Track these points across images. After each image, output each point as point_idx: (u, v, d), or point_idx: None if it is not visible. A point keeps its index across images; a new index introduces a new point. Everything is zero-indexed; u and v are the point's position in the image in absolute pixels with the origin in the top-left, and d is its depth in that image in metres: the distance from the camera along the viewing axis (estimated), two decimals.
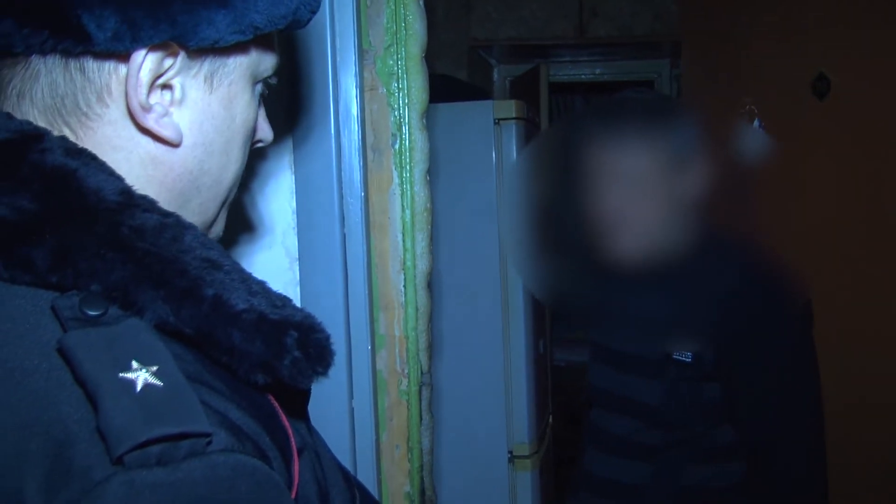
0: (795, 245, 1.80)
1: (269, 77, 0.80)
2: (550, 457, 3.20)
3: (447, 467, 2.63)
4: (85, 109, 0.69)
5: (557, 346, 3.85)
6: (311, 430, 0.79)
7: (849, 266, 2.53)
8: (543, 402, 3.07)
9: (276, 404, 0.71)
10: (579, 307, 2.04)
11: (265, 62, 0.78)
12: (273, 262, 1.30)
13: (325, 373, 0.68)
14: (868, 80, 2.50)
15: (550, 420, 3.25)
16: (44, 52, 0.67)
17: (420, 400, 1.39)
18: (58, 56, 0.67)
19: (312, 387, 0.71)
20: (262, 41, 0.76)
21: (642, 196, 1.61)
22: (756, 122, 2.33)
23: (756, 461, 1.68)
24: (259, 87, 0.79)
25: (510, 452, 2.73)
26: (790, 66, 2.60)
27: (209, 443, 0.55)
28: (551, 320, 3.47)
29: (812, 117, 2.54)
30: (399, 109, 1.36)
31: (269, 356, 0.64)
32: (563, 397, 3.79)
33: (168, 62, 0.69)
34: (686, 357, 1.65)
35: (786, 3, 2.64)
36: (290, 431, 0.70)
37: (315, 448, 0.77)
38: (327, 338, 0.68)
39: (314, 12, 0.76)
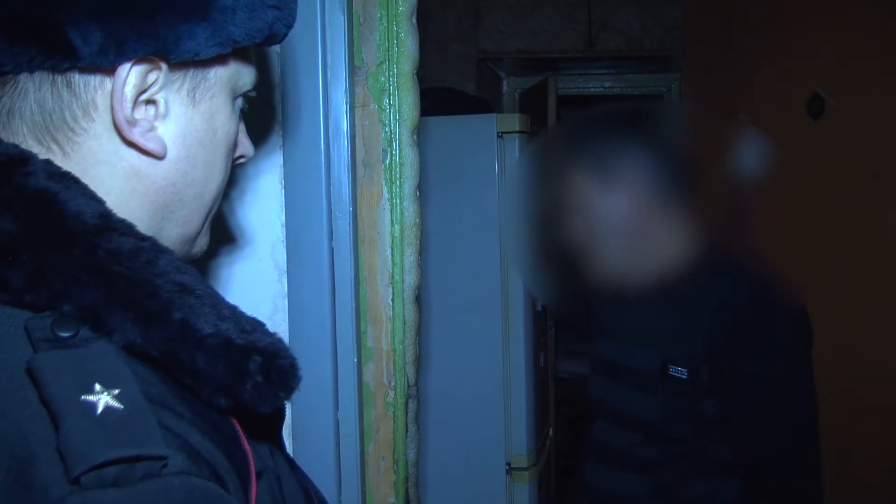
0: (790, 262, 1.81)
1: (249, 91, 0.82)
2: (551, 469, 3.21)
3: (445, 479, 2.64)
4: (72, 124, 0.70)
5: (562, 358, 3.86)
6: (275, 453, 0.80)
7: (845, 283, 2.54)
8: (544, 414, 3.07)
9: (238, 428, 0.72)
10: (579, 317, 2.04)
11: (244, 76, 0.80)
12: (262, 274, 1.32)
13: (287, 397, 0.68)
14: (862, 102, 2.51)
15: (551, 432, 3.25)
16: (32, 70, 0.68)
17: (406, 412, 1.40)
18: (45, 73, 0.69)
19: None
20: (240, 56, 0.78)
21: (629, 215, 1.62)
22: (754, 139, 2.35)
23: (752, 478, 1.67)
24: (239, 101, 0.82)
25: (508, 464, 2.74)
26: (786, 86, 2.62)
27: (165, 465, 0.56)
28: (555, 333, 3.48)
29: (807, 137, 2.56)
30: (390, 125, 1.38)
31: (231, 380, 0.65)
32: (566, 409, 3.80)
33: (152, 77, 0.71)
34: (682, 374, 1.64)
35: (782, 23, 2.65)
36: (250, 455, 0.71)
37: (276, 472, 0.77)
38: (292, 363, 0.69)
39: (290, 27, 0.79)
